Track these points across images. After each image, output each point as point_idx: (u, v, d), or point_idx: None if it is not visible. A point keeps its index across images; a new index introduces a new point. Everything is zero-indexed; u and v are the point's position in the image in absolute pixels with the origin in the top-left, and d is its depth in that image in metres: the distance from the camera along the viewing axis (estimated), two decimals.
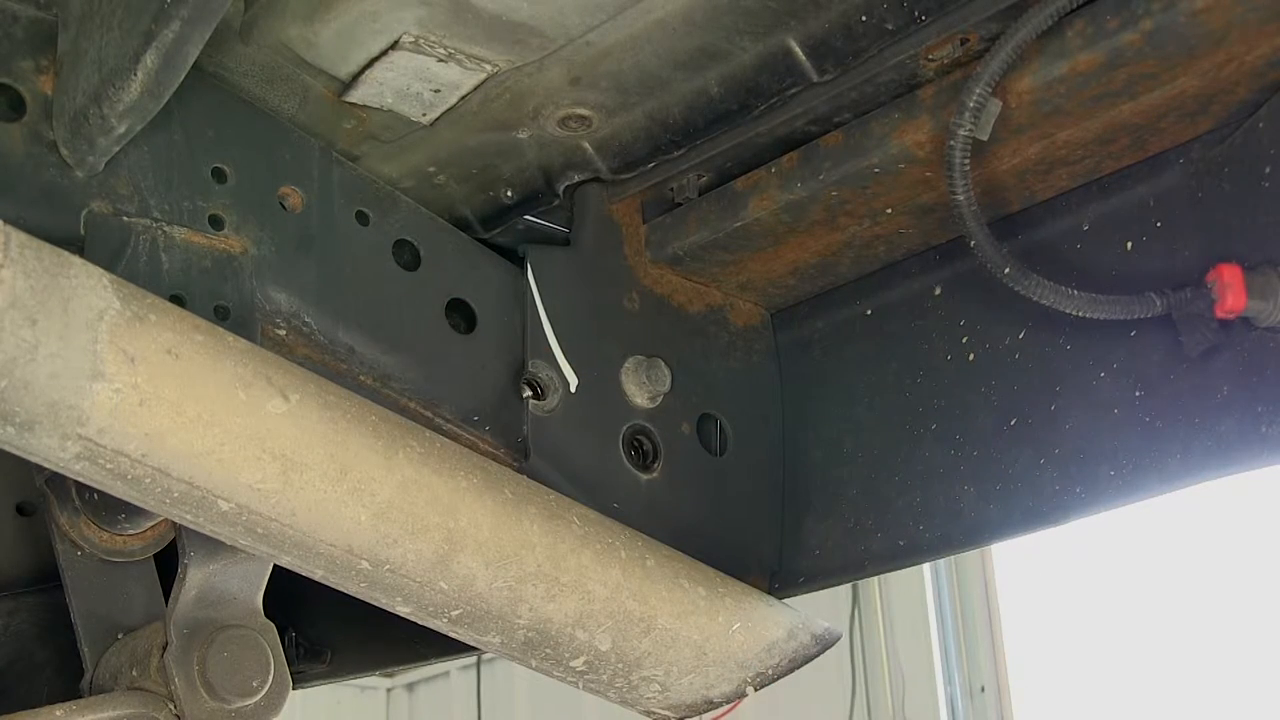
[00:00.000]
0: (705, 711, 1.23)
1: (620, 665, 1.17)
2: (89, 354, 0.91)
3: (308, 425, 1.01)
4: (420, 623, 1.11)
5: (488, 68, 1.28)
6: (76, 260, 0.93)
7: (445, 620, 1.11)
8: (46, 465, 0.95)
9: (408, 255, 1.41)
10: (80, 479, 0.97)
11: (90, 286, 0.92)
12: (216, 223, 1.27)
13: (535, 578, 1.11)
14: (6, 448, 0.93)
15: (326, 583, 1.07)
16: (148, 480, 0.96)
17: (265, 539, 1.02)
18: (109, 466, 0.94)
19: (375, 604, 1.10)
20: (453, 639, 1.20)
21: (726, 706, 1.24)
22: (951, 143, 1.19)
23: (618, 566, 1.16)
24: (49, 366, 0.89)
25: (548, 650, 1.14)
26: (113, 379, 0.92)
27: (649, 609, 1.17)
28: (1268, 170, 1.18)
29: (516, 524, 1.11)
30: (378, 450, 1.04)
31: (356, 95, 1.31)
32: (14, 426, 0.91)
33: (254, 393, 0.98)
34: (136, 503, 0.99)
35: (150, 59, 1.08)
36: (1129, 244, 1.30)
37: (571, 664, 1.16)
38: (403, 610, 1.10)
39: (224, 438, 0.97)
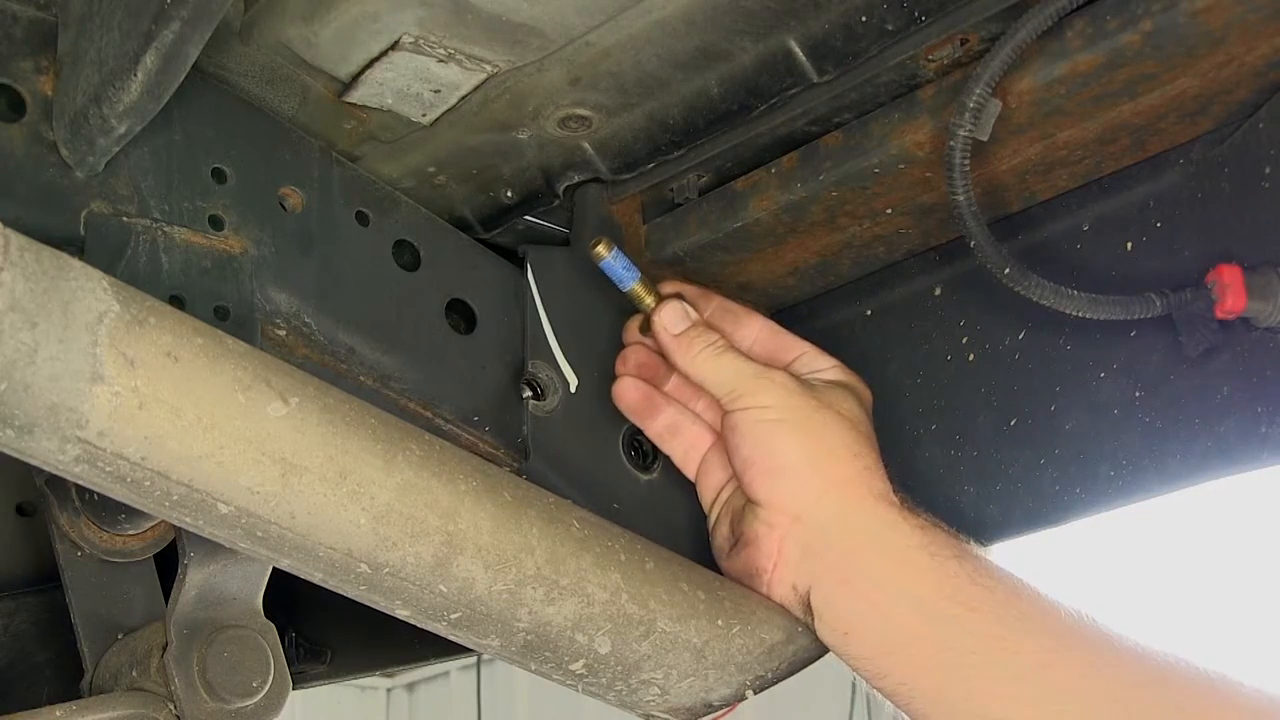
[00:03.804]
0: (704, 715, 1.23)
1: (620, 668, 1.17)
2: (89, 357, 0.90)
3: (307, 428, 1.00)
4: (420, 626, 1.11)
5: (488, 68, 1.28)
6: (76, 263, 0.93)
7: (445, 623, 1.10)
8: (46, 468, 0.95)
9: (408, 255, 1.41)
10: (80, 482, 0.97)
11: (90, 289, 0.92)
12: (216, 223, 1.27)
13: (535, 581, 1.11)
14: (6, 450, 0.93)
15: (326, 585, 1.07)
16: (147, 483, 0.95)
17: (264, 542, 1.02)
18: (108, 469, 0.94)
19: (374, 607, 1.10)
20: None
21: (725, 709, 1.24)
22: (951, 143, 1.19)
23: (617, 570, 1.16)
24: (49, 369, 0.89)
25: (547, 653, 1.14)
26: (112, 382, 0.92)
27: (649, 612, 1.16)
28: (1268, 170, 1.18)
29: (516, 527, 1.11)
30: (377, 453, 1.04)
31: (356, 95, 1.31)
32: (13, 429, 0.90)
33: (253, 396, 0.98)
34: (136, 506, 0.98)
35: (150, 59, 1.07)
36: (1129, 244, 1.30)
37: (571, 667, 1.16)
38: (402, 613, 1.09)
39: (223, 441, 0.96)
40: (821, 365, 1.38)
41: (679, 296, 1.40)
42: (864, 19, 1.24)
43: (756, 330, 1.40)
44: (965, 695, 1.18)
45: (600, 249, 1.37)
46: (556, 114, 1.35)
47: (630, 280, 1.38)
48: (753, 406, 1.29)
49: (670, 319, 1.36)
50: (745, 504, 1.32)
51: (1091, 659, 1.18)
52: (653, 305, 1.38)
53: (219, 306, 1.25)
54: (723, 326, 1.39)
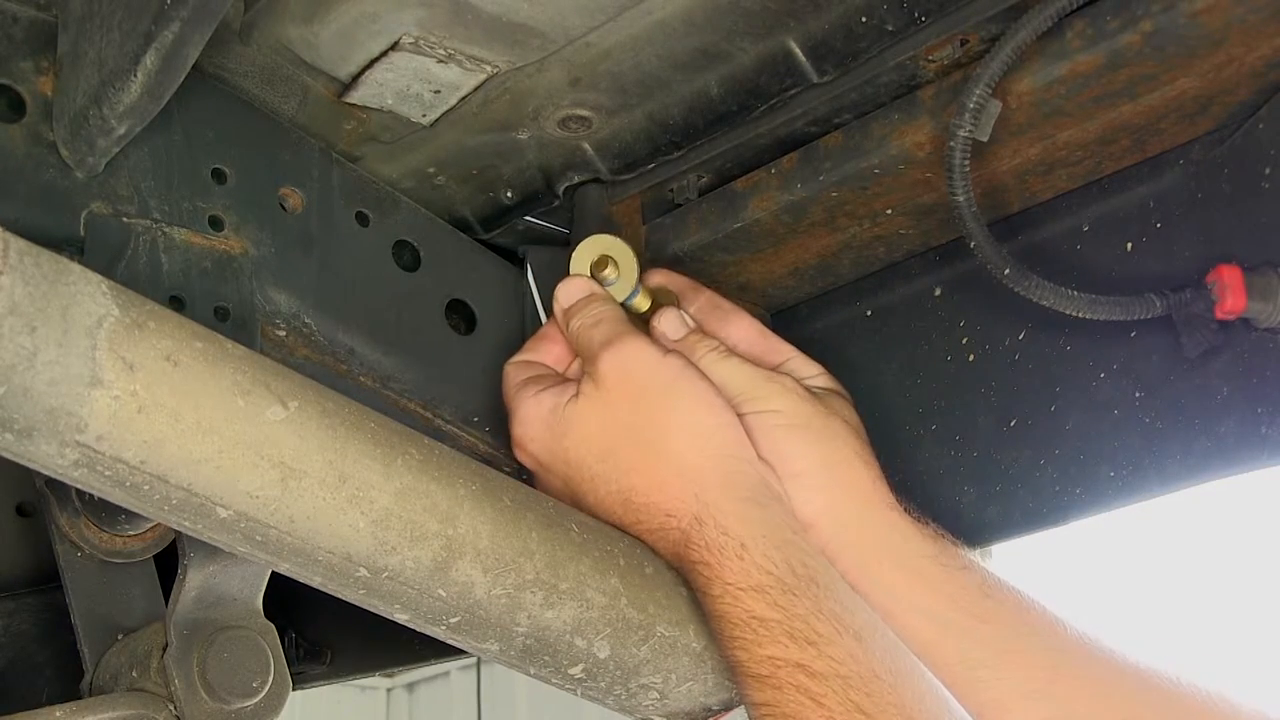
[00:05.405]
0: (703, 719, 1.23)
1: (619, 673, 1.16)
2: (88, 361, 0.90)
3: (306, 432, 1.00)
4: (418, 629, 1.11)
5: (488, 69, 1.28)
6: (75, 267, 0.92)
7: (444, 627, 1.10)
8: (45, 472, 0.94)
9: (408, 256, 1.41)
10: (79, 485, 0.96)
11: (89, 293, 0.92)
12: (216, 224, 1.27)
13: (534, 585, 1.10)
14: (6, 454, 0.93)
15: (325, 589, 1.07)
16: (146, 487, 0.95)
17: (264, 546, 1.01)
18: (107, 474, 0.94)
19: (373, 610, 1.10)
20: None
21: (723, 713, 1.23)
22: (951, 144, 1.19)
23: (616, 574, 1.16)
24: (48, 373, 0.89)
25: (546, 658, 1.14)
26: (111, 386, 0.91)
27: (648, 616, 1.16)
28: (1268, 170, 1.18)
29: (515, 531, 1.10)
30: (376, 458, 1.04)
31: (356, 96, 1.31)
32: (13, 433, 0.90)
33: (253, 400, 0.98)
34: (135, 509, 0.98)
35: (150, 60, 1.07)
36: (1129, 245, 1.30)
37: (570, 671, 1.15)
38: (401, 617, 1.09)
39: (222, 445, 0.96)
40: (810, 372, 1.36)
41: (670, 296, 1.39)
42: (864, 19, 1.24)
43: (744, 330, 1.38)
44: (977, 708, 1.18)
45: (607, 273, 1.35)
46: (556, 114, 1.35)
47: (631, 299, 1.37)
48: (764, 410, 1.27)
49: (670, 326, 1.35)
50: None
51: (1099, 674, 1.18)
52: (646, 308, 1.37)
53: (219, 307, 1.25)
54: (711, 324, 1.38)
